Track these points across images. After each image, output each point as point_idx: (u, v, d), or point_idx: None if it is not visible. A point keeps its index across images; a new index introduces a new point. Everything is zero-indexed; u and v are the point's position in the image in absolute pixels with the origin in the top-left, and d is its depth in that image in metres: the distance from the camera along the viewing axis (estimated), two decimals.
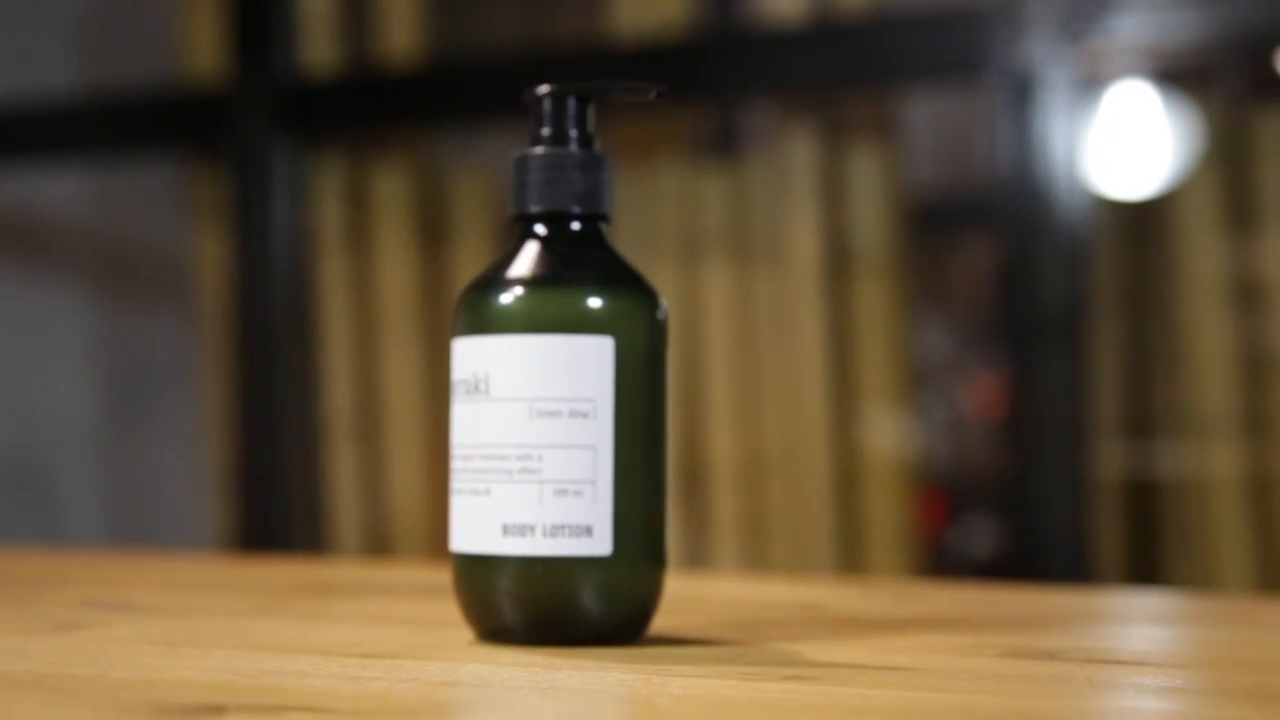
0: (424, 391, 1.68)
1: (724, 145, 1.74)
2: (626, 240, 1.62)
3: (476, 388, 0.55)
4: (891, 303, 1.55)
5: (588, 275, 0.55)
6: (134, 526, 1.93)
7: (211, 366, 1.76)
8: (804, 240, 1.55)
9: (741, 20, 1.66)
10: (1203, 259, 1.45)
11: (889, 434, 1.54)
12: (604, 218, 0.57)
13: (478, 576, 0.55)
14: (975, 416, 2.53)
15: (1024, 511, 1.40)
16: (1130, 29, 1.39)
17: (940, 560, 2.23)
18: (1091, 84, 1.41)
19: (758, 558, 1.57)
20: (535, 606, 0.54)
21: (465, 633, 0.56)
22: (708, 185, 1.60)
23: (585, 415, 0.54)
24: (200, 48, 1.75)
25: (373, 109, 1.69)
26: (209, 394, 1.77)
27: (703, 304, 1.59)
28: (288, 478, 1.65)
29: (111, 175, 1.90)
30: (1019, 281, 1.39)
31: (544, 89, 0.57)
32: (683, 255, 1.60)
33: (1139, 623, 0.69)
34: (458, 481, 0.55)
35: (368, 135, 1.73)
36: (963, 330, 2.58)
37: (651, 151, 1.63)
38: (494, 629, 0.55)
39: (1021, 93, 1.39)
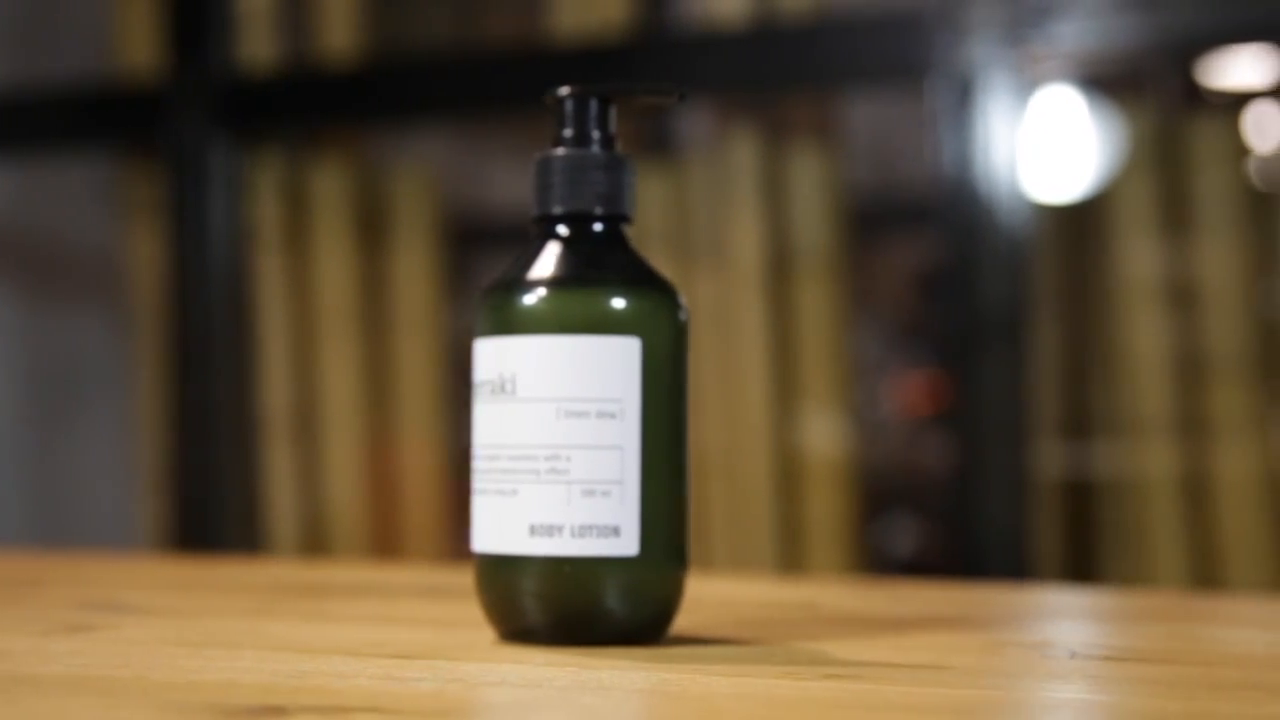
0: (362, 391, 1.67)
1: (665, 146, 1.74)
2: None
3: (502, 388, 0.55)
4: (831, 303, 1.56)
5: (613, 276, 0.55)
6: (63, 526, 1.90)
7: (145, 365, 1.74)
8: (745, 241, 1.56)
9: (683, 21, 1.67)
10: (1138, 262, 1.47)
11: (828, 433, 1.55)
12: (626, 219, 0.57)
13: (502, 577, 0.55)
14: (898, 416, 2.56)
15: (965, 510, 1.42)
16: (1071, 35, 1.41)
17: (861, 558, 2.25)
18: (1032, 89, 1.43)
19: (698, 556, 1.57)
20: (562, 607, 0.54)
21: (485, 633, 0.56)
22: (648, 186, 1.60)
23: (613, 416, 0.54)
24: (135, 42, 1.73)
25: (311, 106, 1.67)
26: (142, 393, 1.75)
27: None
28: (223, 477, 1.64)
29: (42, 172, 1.87)
30: (960, 284, 1.41)
31: (565, 90, 0.57)
32: None
33: (1133, 620, 0.70)
34: (482, 482, 0.55)
35: (306, 133, 1.71)
36: (886, 331, 2.60)
37: None
38: (518, 629, 0.55)
39: (962, 97, 1.41)
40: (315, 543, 1.67)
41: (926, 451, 2.45)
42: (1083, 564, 1.50)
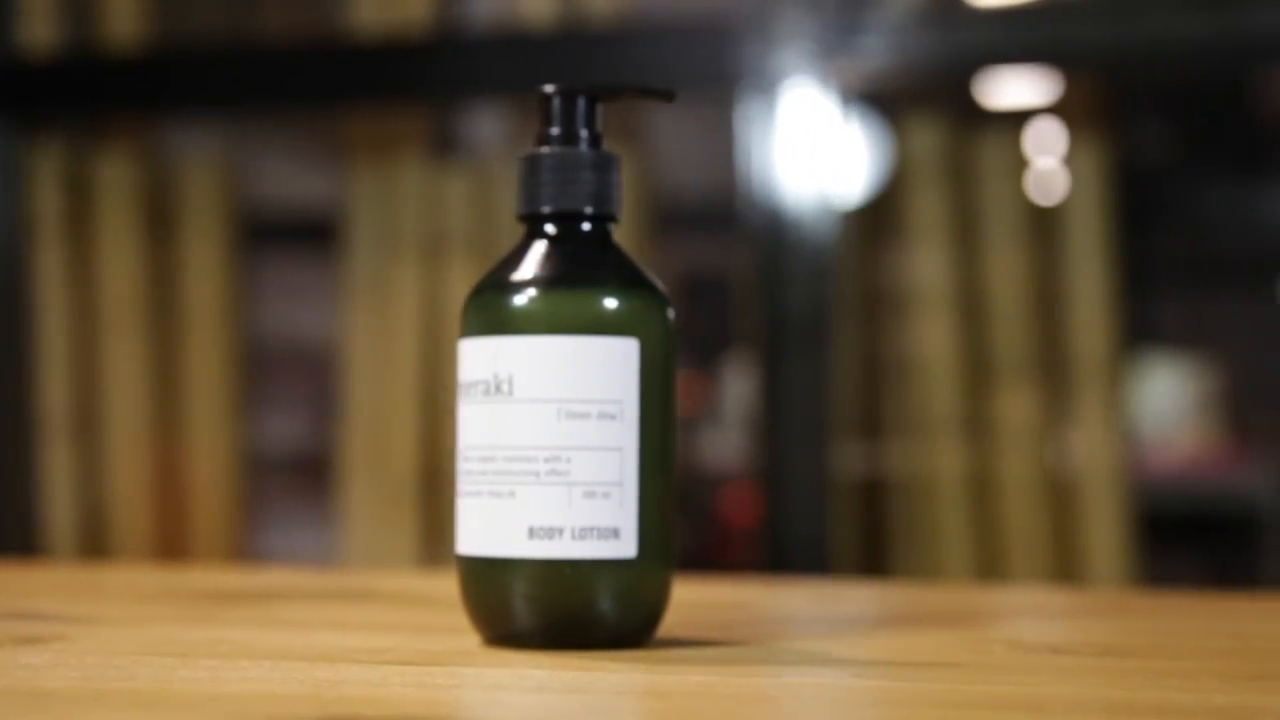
0: (148, 389, 1.61)
1: (468, 146, 1.73)
2: (365, 240, 1.59)
3: (498, 389, 0.54)
4: None
5: (610, 276, 0.55)
6: None
7: None
8: None
9: (487, 22, 1.66)
10: (927, 270, 1.52)
11: None
12: (613, 218, 0.57)
13: (495, 580, 0.54)
14: None
15: (769, 509, 1.45)
16: (874, 48, 1.45)
17: None
18: (836, 100, 1.46)
19: None
20: (559, 609, 0.53)
21: (469, 637, 0.55)
22: (451, 186, 1.59)
23: (613, 417, 0.54)
24: None
25: (95, 93, 1.61)
26: None
27: (447, 306, 1.58)
28: None
29: None
30: (765, 289, 1.44)
31: (551, 87, 0.56)
32: (425, 256, 1.58)
33: (1064, 616, 0.72)
34: (472, 484, 0.54)
35: (90, 120, 1.64)
36: None
37: (392, 150, 1.61)
38: (507, 633, 0.54)
39: (769, 106, 1.43)
40: (95, 544, 1.60)
41: (687, 451, 2.49)
42: (876, 560, 1.54)
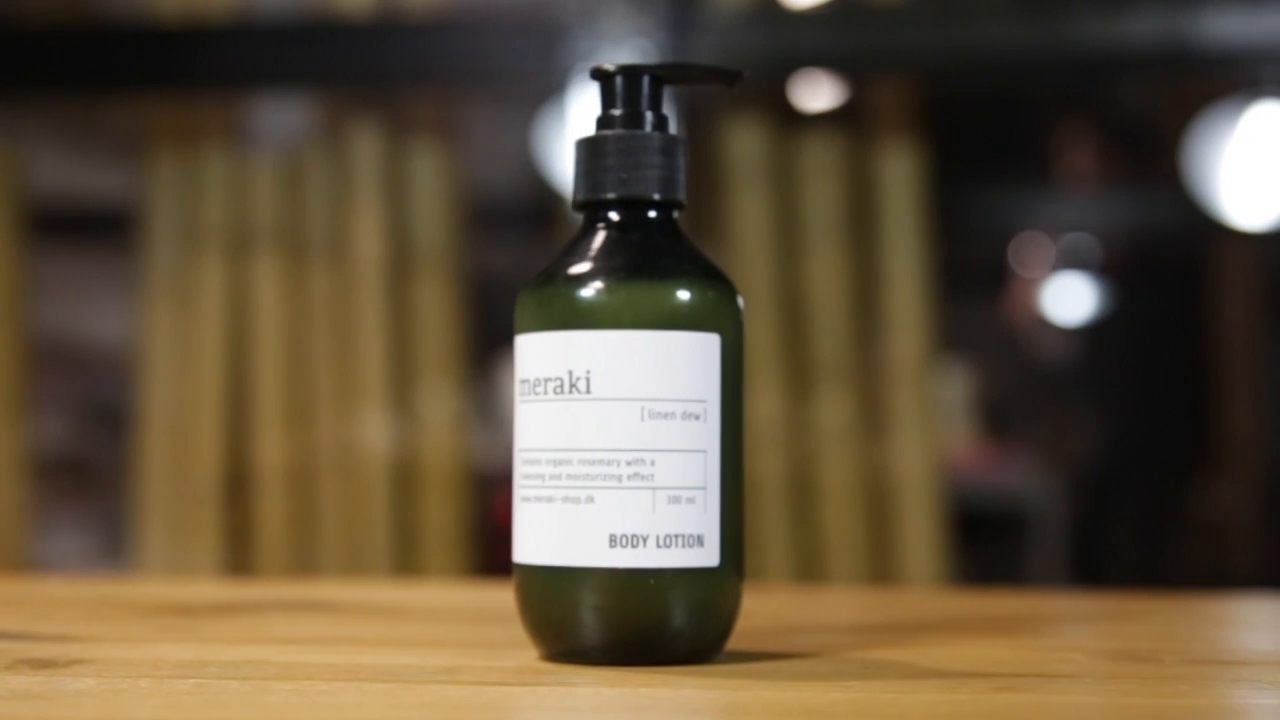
0: None
1: (276, 137, 1.66)
2: (165, 234, 1.51)
3: (573, 386, 0.50)
4: (450, 302, 1.53)
5: (687, 267, 0.52)
6: None
7: None
8: (365, 238, 1.50)
9: (297, 8, 1.59)
10: (750, 272, 1.52)
11: (446, 433, 1.52)
12: (681, 205, 0.53)
13: (568, 591, 0.50)
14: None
15: None
16: (704, 48, 1.44)
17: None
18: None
19: (306, 562, 1.50)
20: (638, 623, 0.50)
21: (520, 653, 0.51)
22: (260, 178, 1.52)
23: (697, 417, 0.50)
24: None
25: None
26: None
27: (252, 302, 1.51)
28: None
29: None
30: None
31: (612, 65, 0.53)
32: (229, 251, 1.51)
33: (1080, 620, 0.71)
34: (540, 488, 0.50)
35: None
36: None
37: (193, 140, 1.52)
38: (573, 648, 0.50)
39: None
40: None
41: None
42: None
